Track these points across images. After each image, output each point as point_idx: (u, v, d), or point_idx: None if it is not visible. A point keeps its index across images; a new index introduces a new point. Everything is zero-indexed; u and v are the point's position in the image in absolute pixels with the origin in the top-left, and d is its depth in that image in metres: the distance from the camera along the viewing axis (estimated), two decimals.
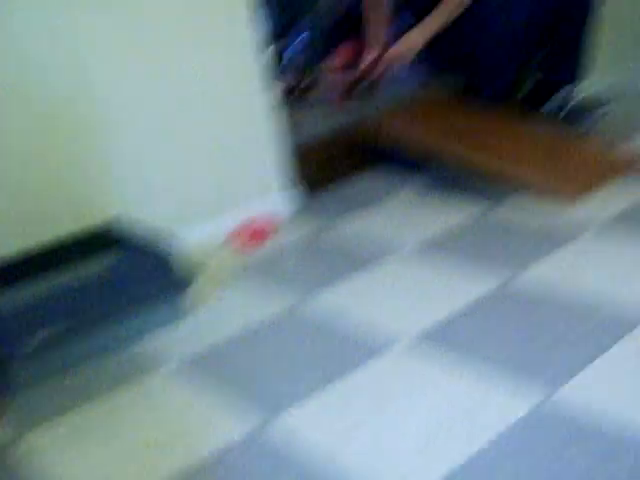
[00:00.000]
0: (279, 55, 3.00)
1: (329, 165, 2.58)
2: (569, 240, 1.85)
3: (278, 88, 2.98)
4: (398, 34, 2.75)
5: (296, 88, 3.07)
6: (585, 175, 2.18)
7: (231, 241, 2.12)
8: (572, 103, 2.90)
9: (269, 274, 1.94)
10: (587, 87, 3.13)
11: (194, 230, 2.14)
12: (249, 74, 2.22)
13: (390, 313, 1.63)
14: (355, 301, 1.72)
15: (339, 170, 2.61)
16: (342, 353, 1.49)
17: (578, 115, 2.88)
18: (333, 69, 2.98)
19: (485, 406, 1.23)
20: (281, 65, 3.01)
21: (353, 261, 1.93)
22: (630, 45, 3.37)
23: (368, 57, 2.79)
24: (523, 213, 2.08)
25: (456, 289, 1.70)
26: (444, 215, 2.16)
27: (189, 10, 2.04)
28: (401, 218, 2.20)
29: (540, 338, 1.42)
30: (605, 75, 3.46)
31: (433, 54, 2.96)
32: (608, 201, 2.06)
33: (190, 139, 2.11)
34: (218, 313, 1.75)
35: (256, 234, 2.16)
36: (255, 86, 2.24)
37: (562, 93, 2.92)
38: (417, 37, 2.67)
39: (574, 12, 2.83)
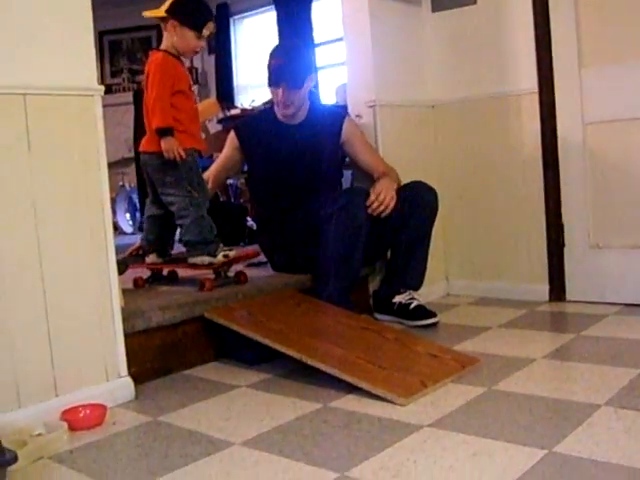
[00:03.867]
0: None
1: (172, 353, 2.54)
2: (401, 438, 1.84)
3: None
4: None
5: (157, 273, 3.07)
6: (416, 376, 2.24)
7: (61, 424, 2.01)
8: (413, 306, 3.06)
9: (96, 461, 1.83)
10: (427, 293, 3.36)
11: (24, 409, 2.02)
12: (92, 259, 2.20)
13: None
14: None
15: (182, 359, 2.57)
16: None
17: (417, 317, 3.04)
18: None
19: None
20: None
21: (185, 454, 1.82)
22: (466, 258, 3.66)
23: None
24: (362, 406, 2.07)
25: None
26: (281, 409, 2.11)
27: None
28: (239, 411, 2.13)
29: None
30: (443, 283, 3.73)
31: (291, 255, 3.12)
32: (440, 400, 2.10)
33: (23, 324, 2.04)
34: None
35: (86, 419, 2.06)
36: (99, 269, 2.22)
37: (404, 296, 3.11)
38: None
39: (415, 222, 3.08)
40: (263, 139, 3.20)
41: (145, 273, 3.05)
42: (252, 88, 7.23)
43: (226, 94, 7.23)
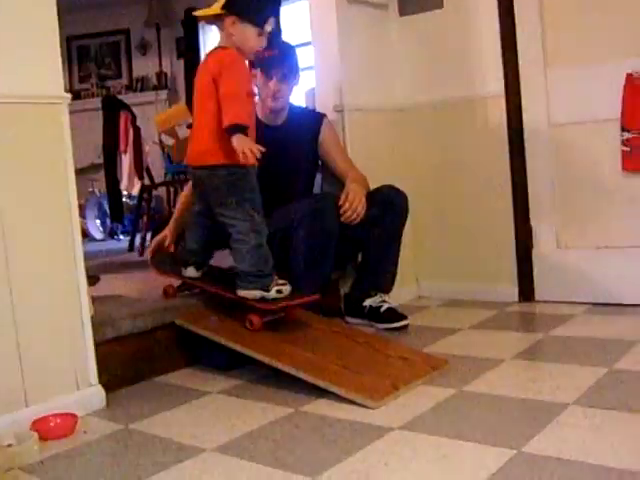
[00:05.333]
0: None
1: (143, 361, 2.53)
2: (372, 441, 1.85)
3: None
4: None
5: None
6: (387, 379, 2.25)
7: (31, 435, 1.99)
8: (383, 309, 3.09)
9: (67, 471, 1.81)
10: (397, 295, 3.37)
11: None
12: (60, 269, 2.19)
13: None
14: None
15: (153, 366, 2.56)
16: None
17: (388, 320, 3.06)
18: None
19: None
20: None
21: (156, 462, 1.82)
22: (436, 261, 3.69)
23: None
24: (333, 410, 2.09)
25: None
26: (252, 414, 2.12)
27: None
28: (210, 417, 2.14)
29: None
30: (414, 286, 3.75)
31: None
32: (410, 403, 2.12)
33: None
34: None
35: (57, 429, 2.04)
36: (68, 278, 2.21)
37: (374, 299, 3.13)
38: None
39: (385, 225, 3.09)
40: None
41: (175, 281, 2.85)
42: None
43: None
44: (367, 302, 3.12)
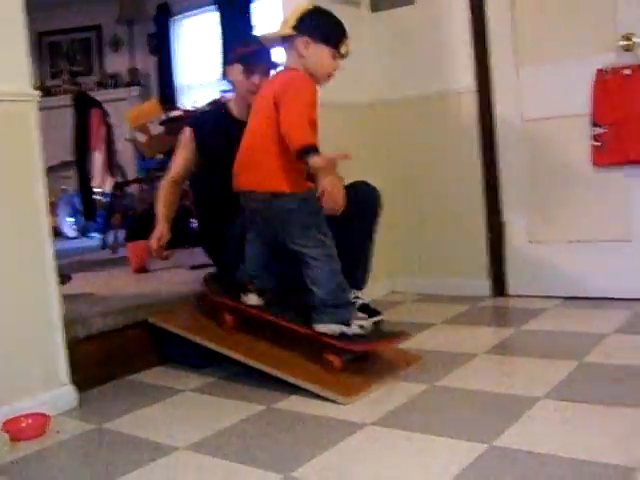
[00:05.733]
0: None
1: (115, 359, 2.52)
2: (346, 437, 1.86)
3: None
4: None
5: None
6: (360, 376, 2.26)
7: (2, 435, 1.98)
8: (357, 305, 3.06)
9: (39, 471, 1.80)
10: (370, 291, 3.36)
11: None
12: (29, 269, 2.18)
13: None
14: None
15: (125, 364, 2.55)
16: None
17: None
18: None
19: None
20: None
21: (129, 461, 1.81)
22: (409, 256, 3.70)
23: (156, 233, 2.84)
24: (306, 407, 2.09)
25: None
26: (225, 412, 2.12)
27: None
28: (183, 415, 2.14)
29: None
30: (387, 281, 3.76)
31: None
32: (384, 398, 2.13)
33: None
34: None
35: (29, 429, 2.02)
36: (37, 278, 2.19)
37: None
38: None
39: (359, 222, 3.08)
40: (221, 138, 3.12)
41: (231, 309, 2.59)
42: (193, 89, 7.19)
43: (168, 95, 7.17)
44: None
